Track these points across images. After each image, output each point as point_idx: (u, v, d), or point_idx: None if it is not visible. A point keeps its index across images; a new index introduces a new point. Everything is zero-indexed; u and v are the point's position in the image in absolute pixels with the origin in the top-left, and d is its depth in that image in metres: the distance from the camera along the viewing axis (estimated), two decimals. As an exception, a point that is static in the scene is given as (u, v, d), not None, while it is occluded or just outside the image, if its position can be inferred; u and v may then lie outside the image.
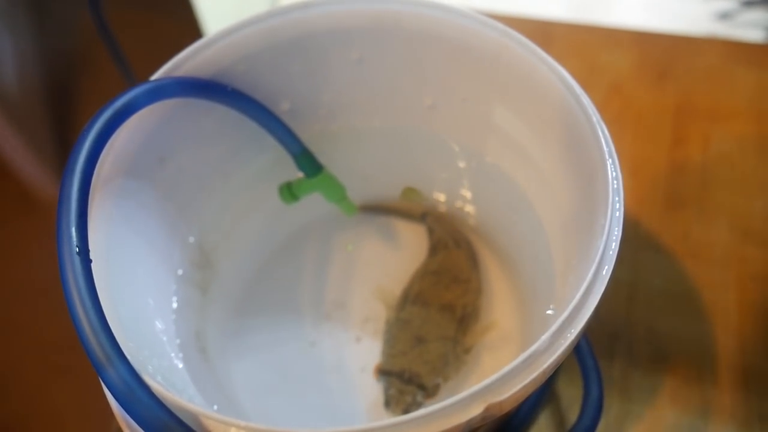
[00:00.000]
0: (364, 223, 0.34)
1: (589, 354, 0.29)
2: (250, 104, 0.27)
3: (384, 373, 0.29)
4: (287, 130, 0.28)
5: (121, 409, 0.17)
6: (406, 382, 0.28)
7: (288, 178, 0.29)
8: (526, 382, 0.17)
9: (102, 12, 0.47)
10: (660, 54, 0.45)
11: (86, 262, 0.18)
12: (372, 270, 0.33)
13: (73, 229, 0.18)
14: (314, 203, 0.31)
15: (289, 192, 0.29)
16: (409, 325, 0.30)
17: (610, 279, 0.19)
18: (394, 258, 0.33)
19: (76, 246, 0.18)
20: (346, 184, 0.31)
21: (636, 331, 0.33)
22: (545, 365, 0.18)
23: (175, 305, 0.26)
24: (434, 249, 0.33)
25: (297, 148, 0.28)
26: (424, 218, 0.34)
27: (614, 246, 0.20)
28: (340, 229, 0.34)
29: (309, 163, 0.29)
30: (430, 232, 0.33)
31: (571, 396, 0.30)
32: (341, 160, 0.32)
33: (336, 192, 0.30)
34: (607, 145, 0.22)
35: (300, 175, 0.29)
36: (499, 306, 0.31)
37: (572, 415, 0.30)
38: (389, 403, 0.28)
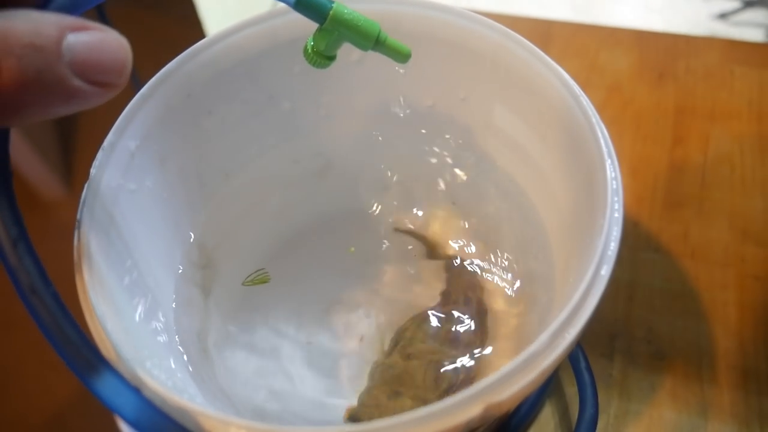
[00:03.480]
0: (365, 223, 0.34)
1: (587, 370, 0.29)
2: None
3: (353, 419, 0.28)
4: None
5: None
6: None
7: (290, 179, 0.29)
8: (525, 382, 0.17)
9: (105, 11, 0.47)
10: (660, 54, 0.46)
11: (36, 265, 0.16)
12: (373, 271, 0.33)
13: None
14: (314, 203, 0.31)
15: (315, 53, 0.23)
16: (390, 372, 0.28)
17: (609, 279, 0.19)
18: (395, 261, 0.33)
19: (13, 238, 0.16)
20: (343, 184, 0.31)
21: (635, 331, 0.33)
22: (544, 365, 0.18)
23: (175, 305, 0.27)
24: (444, 299, 0.31)
25: None
26: (448, 266, 0.32)
27: (613, 246, 0.20)
28: (341, 229, 0.34)
29: (312, 4, 0.21)
30: (448, 280, 0.31)
31: (571, 395, 0.30)
32: (340, 159, 0.32)
33: (364, 33, 0.22)
34: (606, 146, 0.22)
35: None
36: (499, 306, 0.31)
37: (572, 415, 0.30)
38: None
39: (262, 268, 0.28)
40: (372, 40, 0.22)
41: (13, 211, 0.16)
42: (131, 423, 0.17)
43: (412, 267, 0.33)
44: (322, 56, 0.23)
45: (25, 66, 0.13)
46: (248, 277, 0.28)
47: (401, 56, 0.23)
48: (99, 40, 0.14)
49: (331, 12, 0.21)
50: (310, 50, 0.23)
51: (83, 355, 0.17)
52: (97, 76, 0.14)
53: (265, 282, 0.28)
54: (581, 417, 0.28)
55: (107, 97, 0.15)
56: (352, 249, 0.33)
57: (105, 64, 0.14)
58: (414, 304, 0.31)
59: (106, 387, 0.17)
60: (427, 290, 0.32)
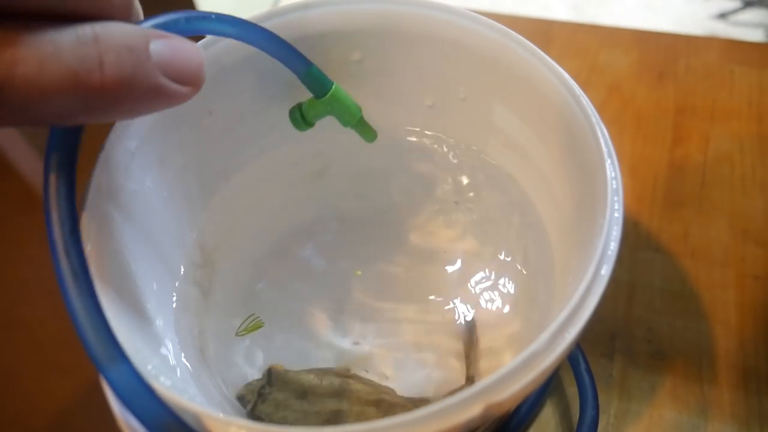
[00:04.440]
0: (365, 223, 0.34)
1: (587, 371, 0.29)
2: (247, 27, 0.24)
3: (244, 398, 0.27)
4: (290, 48, 0.25)
5: (122, 409, 0.17)
6: None
7: (290, 179, 0.29)
8: (525, 382, 0.17)
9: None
10: (660, 54, 0.46)
11: (80, 255, 0.18)
12: (373, 272, 0.33)
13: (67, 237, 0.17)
14: (314, 204, 0.31)
15: (301, 115, 0.27)
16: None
17: (609, 279, 0.19)
18: (395, 261, 0.33)
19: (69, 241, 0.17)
20: (344, 184, 0.31)
21: (635, 331, 0.33)
22: (544, 365, 0.18)
23: (175, 305, 0.27)
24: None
25: (303, 65, 0.26)
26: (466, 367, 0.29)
27: (613, 246, 0.20)
28: (341, 230, 0.34)
29: (317, 81, 0.26)
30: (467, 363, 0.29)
31: (571, 395, 0.30)
32: (341, 159, 0.32)
33: (351, 113, 0.27)
34: (606, 145, 0.22)
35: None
36: (498, 306, 0.31)
37: (572, 415, 0.30)
38: None
39: (253, 314, 0.28)
40: (356, 119, 0.28)
41: (71, 201, 0.17)
42: (144, 421, 0.17)
43: (413, 268, 0.33)
44: (307, 122, 0.27)
45: (123, 63, 0.15)
46: (241, 325, 0.28)
47: (370, 137, 0.29)
48: (178, 44, 0.16)
49: (332, 89, 0.26)
50: (298, 115, 0.27)
51: (106, 346, 0.17)
52: (180, 75, 0.16)
53: (259, 327, 0.28)
54: (582, 419, 0.28)
55: (187, 96, 0.17)
56: (359, 272, 0.32)
57: (185, 65, 0.16)
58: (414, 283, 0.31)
59: (123, 382, 0.17)
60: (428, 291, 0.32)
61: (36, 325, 0.42)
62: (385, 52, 0.28)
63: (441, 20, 0.27)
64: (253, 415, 0.27)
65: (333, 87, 0.26)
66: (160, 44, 0.16)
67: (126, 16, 0.16)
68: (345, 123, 0.28)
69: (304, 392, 0.27)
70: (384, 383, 0.29)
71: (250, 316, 0.28)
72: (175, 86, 0.16)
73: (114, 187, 0.23)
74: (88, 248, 0.20)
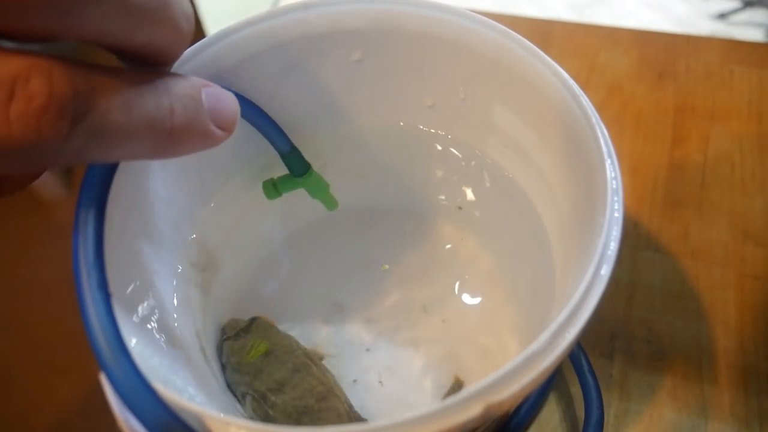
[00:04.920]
0: (365, 224, 0.34)
1: (590, 372, 0.29)
2: (240, 101, 0.26)
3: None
4: (277, 128, 0.28)
5: (122, 408, 0.17)
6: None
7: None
8: (525, 382, 0.17)
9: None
10: (660, 54, 0.46)
11: (99, 257, 0.18)
12: (373, 273, 0.33)
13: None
14: (314, 204, 0.31)
15: (274, 188, 0.29)
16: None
17: (609, 279, 0.19)
18: (396, 262, 0.33)
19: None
20: (343, 184, 0.31)
21: (635, 331, 0.33)
22: (544, 365, 0.18)
23: (175, 304, 0.27)
24: None
25: (286, 146, 0.28)
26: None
27: (613, 246, 0.20)
28: (341, 231, 0.34)
29: (298, 162, 0.29)
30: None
31: (571, 395, 0.30)
32: (340, 159, 0.32)
33: (320, 189, 0.30)
34: (606, 145, 0.22)
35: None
36: (498, 306, 0.31)
37: (572, 415, 0.30)
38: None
39: (257, 340, 0.29)
40: (325, 194, 0.31)
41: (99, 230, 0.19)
42: (144, 421, 0.17)
43: (413, 270, 0.33)
44: (279, 193, 0.29)
45: (187, 111, 0.17)
46: (249, 353, 0.28)
47: (333, 207, 0.31)
48: (220, 93, 0.19)
49: (310, 170, 0.29)
50: (271, 186, 0.29)
51: (110, 345, 0.17)
52: (222, 122, 0.18)
53: (265, 350, 0.28)
54: (588, 420, 0.28)
55: (224, 139, 0.19)
56: (386, 266, 0.33)
57: (226, 113, 0.18)
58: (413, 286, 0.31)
59: (124, 380, 0.17)
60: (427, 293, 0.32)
61: (36, 325, 0.42)
62: (385, 52, 0.28)
63: (441, 20, 0.27)
64: (219, 348, 0.29)
65: (310, 168, 0.29)
66: (208, 93, 0.18)
67: (183, 50, 0.18)
68: (313, 195, 0.30)
69: (269, 352, 0.29)
70: (376, 384, 0.29)
71: (252, 345, 0.29)
72: (218, 131, 0.18)
73: (113, 187, 0.23)
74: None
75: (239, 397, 0.28)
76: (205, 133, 0.18)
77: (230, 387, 0.28)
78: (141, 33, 0.16)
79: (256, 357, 0.28)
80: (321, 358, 0.30)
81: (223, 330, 0.29)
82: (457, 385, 0.29)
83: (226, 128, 0.19)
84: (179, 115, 0.16)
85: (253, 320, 0.30)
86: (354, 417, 0.28)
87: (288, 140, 0.28)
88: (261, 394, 0.27)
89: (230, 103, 0.19)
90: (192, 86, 0.17)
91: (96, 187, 0.19)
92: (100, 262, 0.18)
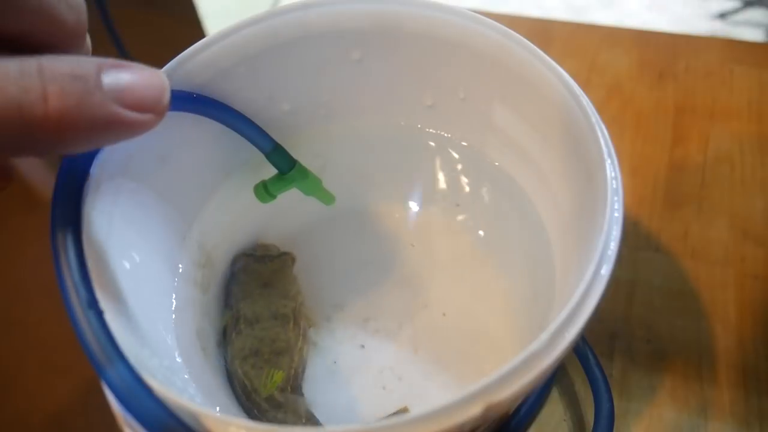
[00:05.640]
0: (366, 224, 0.34)
1: (597, 366, 0.29)
2: (216, 107, 0.26)
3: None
4: (256, 128, 0.27)
5: (122, 408, 0.17)
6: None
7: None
8: (525, 381, 0.17)
9: (108, 11, 0.47)
10: (660, 54, 0.46)
11: (80, 256, 0.18)
12: (373, 273, 0.33)
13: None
14: (314, 204, 0.31)
15: (265, 191, 0.29)
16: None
17: (609, 279, 0.19)
18: (396, 262, 0.33)
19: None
20: (343, 184, 0.31)
21: (635, 330, 0.33)
22: (545, 365, 0.18)
23: (175, 304, 0.27)
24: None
25: (268, 145, 0.28)
26: None
27: (613, 246, 0.20)
28: (340, 230, 0.34)
29: (282, 159, 0.28)
30: None
31: (572, 395, 0.30)
32: (340, 159, 0.32)
33: (312, 185, 0.30)
34: (606, 145, 0.22)
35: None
36: (498, 306, 0.31)
37: (573, 415, 0.30)
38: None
39: (271, 369, 0.28)
40: (317, 189, 0.30)
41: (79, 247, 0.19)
42: (143, 421, 0.17)
43: (411, 268, 0.33)
44: (271, 195, 0.29)
45: (67, 93, 0.14)
46: (267, 385, 0.28)
47: (330, 201, 0.31)
48: (136, 70, 0.16)
49: (296, 165, 0.28)
50: (262, 189, 0.29)
51: (103, 347, 0.17)
52: (139, 103, 0.16)
53: (281, 378, 0.28)
54: (599, 412, 0.28)
55: (150, 124, 0.16)
56: (414, 244, 0.33)
57: (144, 92, 0.16)
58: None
59: (121, 383, 0.17)
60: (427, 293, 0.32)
61: (35, 326, 0.42)
62: (385, 52, 0.28)
63: (441, 20, 0.26)
64: (238, 258, 0.31)
65: (296, 164, 0.28)
66: (114, 72, 0.16)
67: (76, 44, 0.16)
68: (307, 193, 0.30)
69: (272, 286, 0.30)
70: (376, 384, 0.29)
71: (268, 375, 0.28)
72: (133, 114, 0.16)
73: (113, 187, 0.23)
74: (87, 248, 0.20)
75: (226, 308, 0.30)
76: (104, 117, 0.15)
77: (226, 298, 0.30)
78: (9, 22, 0.14)
79: (274, 387, 0.28)
80: (310, 325, 0.31)
81: (253, 249, 0.31)
82: (401, 412, 0.28)
83: (147, 109, 0.16)
84: (56, 97, 0.14)
85: (283, 254, 0.32)
86: (293, 387, 0.28)
87: (269, 138, 0.28)
88: (238, 316, 0.29)
89: (150, 81, 0.16)
90: (79, 65, 0.15)
91: (70, 201, 0.19)
92: (87, 279, 0.18)
